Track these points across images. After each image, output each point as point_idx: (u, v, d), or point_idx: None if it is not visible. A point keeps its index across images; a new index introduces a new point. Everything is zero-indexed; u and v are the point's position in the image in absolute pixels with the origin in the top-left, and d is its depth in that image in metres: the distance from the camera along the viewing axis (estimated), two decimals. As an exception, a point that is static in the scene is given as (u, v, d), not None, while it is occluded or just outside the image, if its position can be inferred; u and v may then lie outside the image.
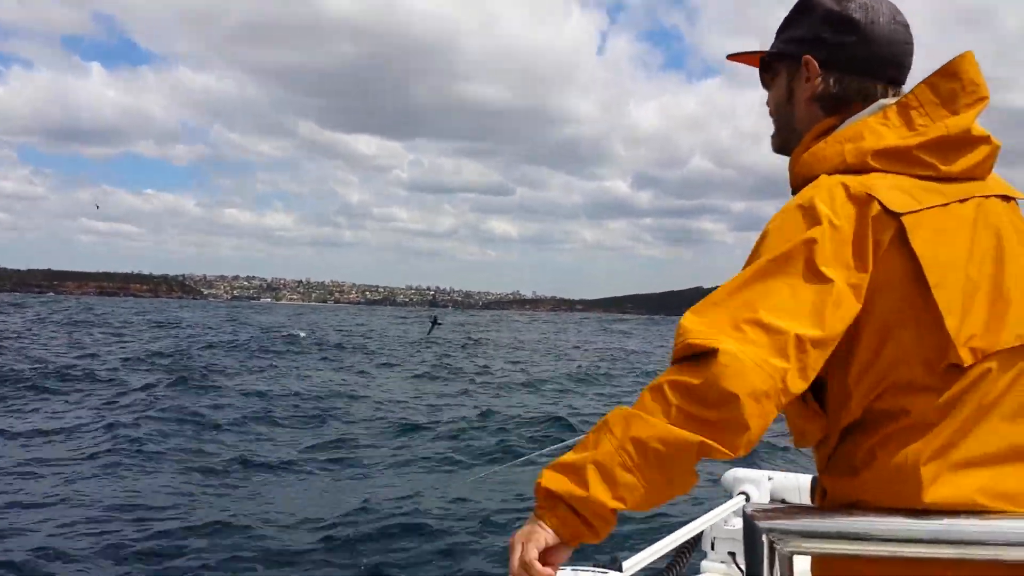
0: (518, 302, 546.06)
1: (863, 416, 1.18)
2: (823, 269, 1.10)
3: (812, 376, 1.08)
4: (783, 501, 2.58)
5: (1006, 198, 1.27)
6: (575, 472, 1.08)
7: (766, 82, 1.45)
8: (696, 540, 2.58)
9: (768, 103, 1.45)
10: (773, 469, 2.88)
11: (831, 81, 1.33)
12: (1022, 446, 1.13)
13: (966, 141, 1.23)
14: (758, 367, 1.02)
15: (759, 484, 2.57)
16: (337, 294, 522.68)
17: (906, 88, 1.31)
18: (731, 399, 1.01)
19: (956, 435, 1.12)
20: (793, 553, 1.07)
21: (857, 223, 1.13)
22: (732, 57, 1.49)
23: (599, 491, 1.06)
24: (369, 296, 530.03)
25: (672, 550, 2.39)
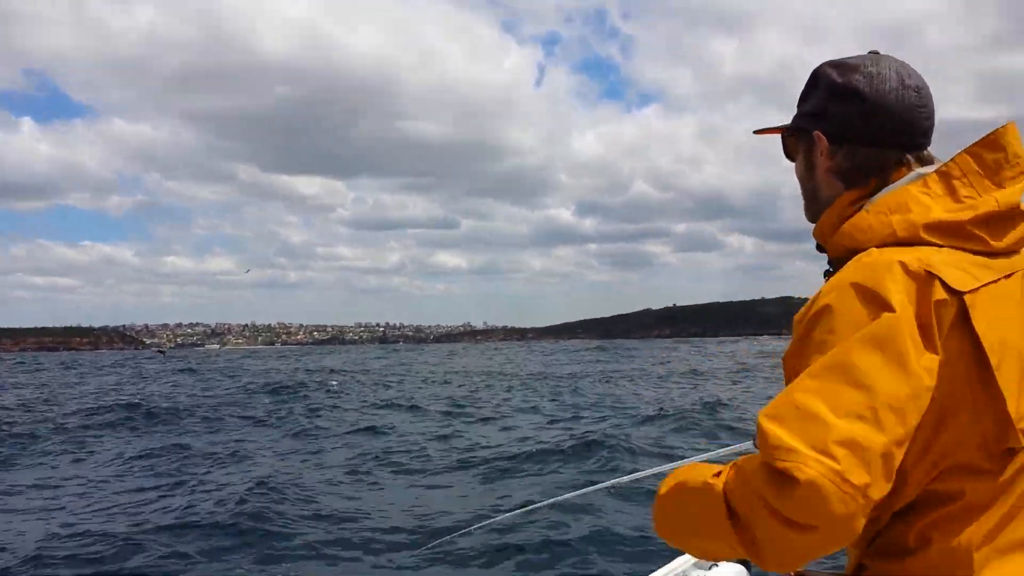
0: (469, 333, 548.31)
1: (918, 498, 1.16)
2: (903, 361, 1.05)
3: (894, 475, 1.03)
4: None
5: None
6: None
7: (789, 155, 1.45)
8: None
9: (796, 174, 1.44)
10: None
11: (841, 155, 1.33)
12: None
13: (1014, 215, 1.23)
14: (842, 494, 0.97)
15: None
16: (284, 336, 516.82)
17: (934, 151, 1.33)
18: (809, 530, 0.99)
19: (1006, 518, 1.13)
20: None
21: (921, 303, 1.09)
22: (759, 132, 1.50)
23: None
24: (317, 336, 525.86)
25: None
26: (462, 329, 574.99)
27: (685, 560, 2.29)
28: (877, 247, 1.19)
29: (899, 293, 1.09)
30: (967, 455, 1.13)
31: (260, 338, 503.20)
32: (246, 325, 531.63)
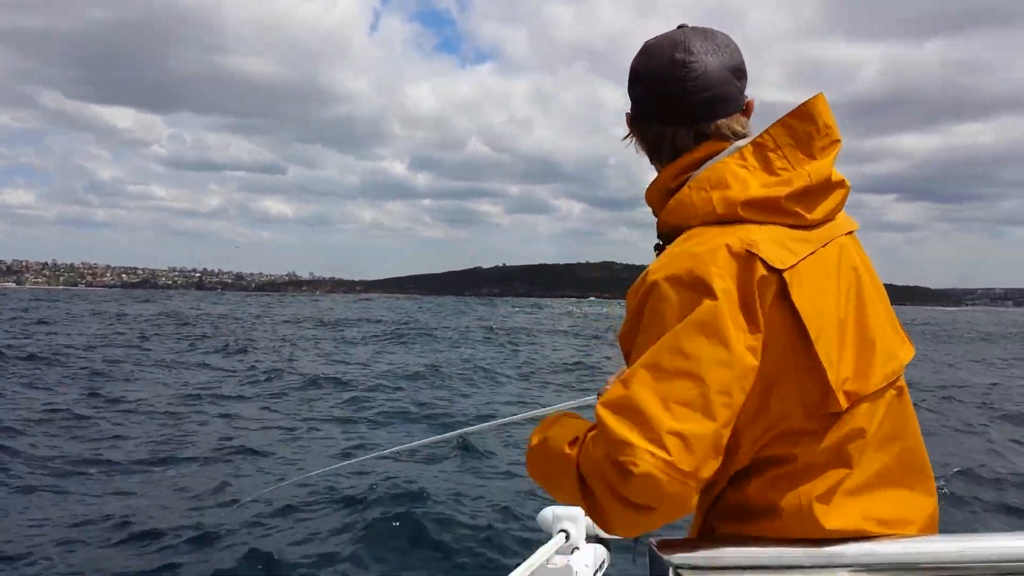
0: (294, 283, 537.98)
1: (752, 463, 1.24)
2: (727, 344, 1.12)
3: (723, 452, 1.12)
4: (598, 537, 2.63)
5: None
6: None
7: None
8: None
9: None
10: None
11: (636, 133, 1.43)
12: (887, 472, 1.26)
13: (827, 187, 1.29)
14: (673, 481, 1.06)
15: (577, 521, 2.54)
16: (89, 277, 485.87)
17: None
18: (648, 510, 1.09)
19: (841, 473, 1.23)
20: None
21: (743, 283, 1.16)
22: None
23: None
24: (126, 279, 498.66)
25: None
26: (287, 279, 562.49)
27: (548, 548, 2.38)
28: (699, 225, 1.26)
29: (721, 278, 1.16)
30: (794, 421, 1.21)
31: (62, 278, 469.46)
32: (46, 264, 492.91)
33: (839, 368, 1.21)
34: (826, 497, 1.21)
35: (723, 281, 1.16)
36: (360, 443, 10.08)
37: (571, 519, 2.65)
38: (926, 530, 1.28)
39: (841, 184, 1.33)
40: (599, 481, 1.13)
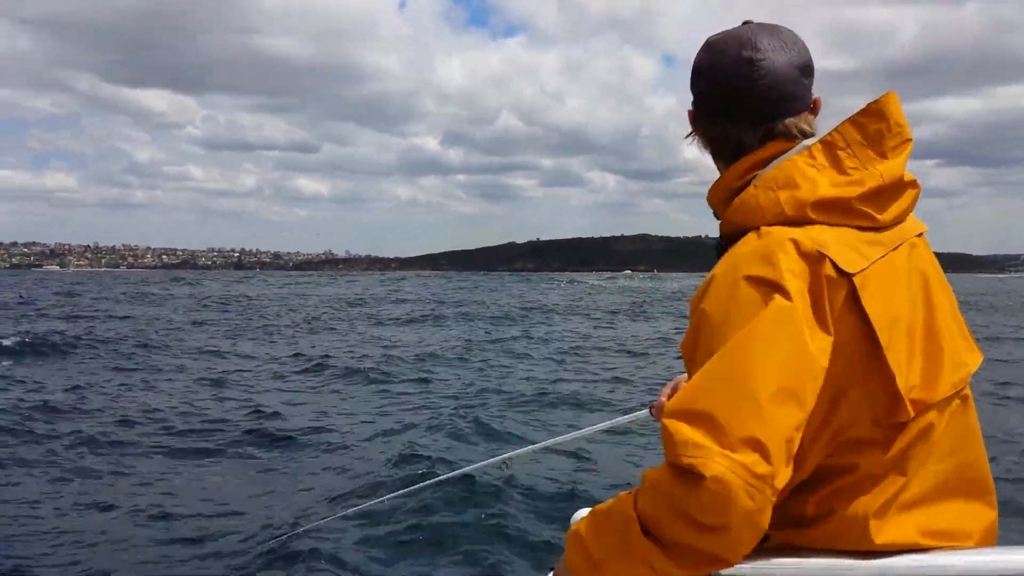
0: (331, 262, 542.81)
1: (815, 473, 1.20)
2: (799, 345, 1.09)
3: (794, 458, 1.08)
4: None
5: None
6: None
7: None
8: None
9: None
10: None
11: (701, 130, 1.40)
12: (946, 484, 1.21)
13: (899, 187, 1.26)
14: (749, 487, 1.00)
15: None
16: (131, 259, 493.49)
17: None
18: (719, 531, 1.01)
19: (900, 483, 1.18)
20: None
21: (813, 284, 1.13)
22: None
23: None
24: (167, 260, 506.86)
25: None
26: (323, 257, 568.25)
27: None
28: (766, 225, 1.21)
29: (793, 276, 1.12)
30: (861, 430, 1.17)
31: (104, 260, 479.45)
32: (88, 246, 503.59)
33: (908, 376, 1.18)
34: (884, 509, 1.18)
35: (795, 280, 1.13)
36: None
37: None
38: (983, 543, 1.24)
39: (913, 184, 1.28)
40: (661, 505, 1.05)
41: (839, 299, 1.15)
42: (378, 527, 6.35)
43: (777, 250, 1.16)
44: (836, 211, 1.22)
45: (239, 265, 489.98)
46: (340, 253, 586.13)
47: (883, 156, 1.25)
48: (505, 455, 2.97)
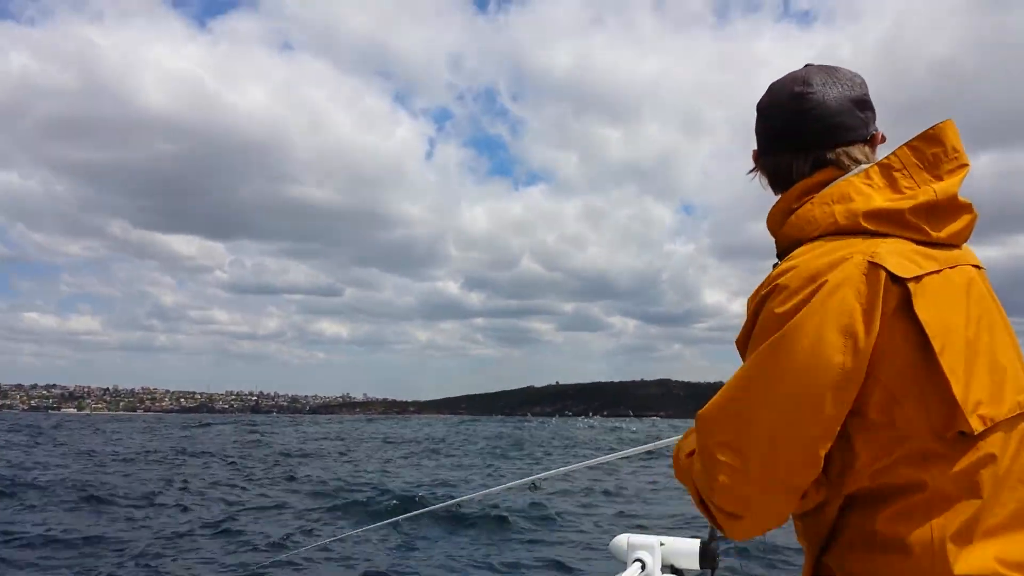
0: (348, 405, 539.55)
1: (877, 488, 1.18)
2: (823, 352, 1.13)
3: (818, 463, 1.15)
4: (672, 568, 2.60)
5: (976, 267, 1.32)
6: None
7: None
8: None
9: None
10: (662, 534, 2.85)
11: (761, 165, 1.49)
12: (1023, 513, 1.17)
13: (953, 207, 1.28)
14: (754, 488, 1.15)
15: (652, 551, 2.53)
16: (148, 402, 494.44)
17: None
18: (737, 519, 1.19)
19: (977, 508, 1.13)
20: None
21: (864, 291, 1.15)
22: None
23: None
24: (184, 403, 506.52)
25: None
26: (341, 400, 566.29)
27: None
28: (819, 237, 1.26)
29: (838, 285, 1.15)
30: (919, 441, 1.16)
31: (122, 403, 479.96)
32: (107, 389, 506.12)
33: (970, 388, 1.17)
34: (960, 535, 1.13)
35: (840, 289, 1.16)
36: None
37: (646, 548, 2.58)
38: None
39: (969, 209, 1.30)
40: (701, 490, 1.21)
41: (891, 304, 1.16)
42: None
43: (827, 259, 1.19)
44: (889, 222, 1.24)
45: (256, 408, 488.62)
46: (358, 396, 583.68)
47: (939, 179, 1.28)
48: (534, 476, 3.06)
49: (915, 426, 1.16)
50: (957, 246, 1.30)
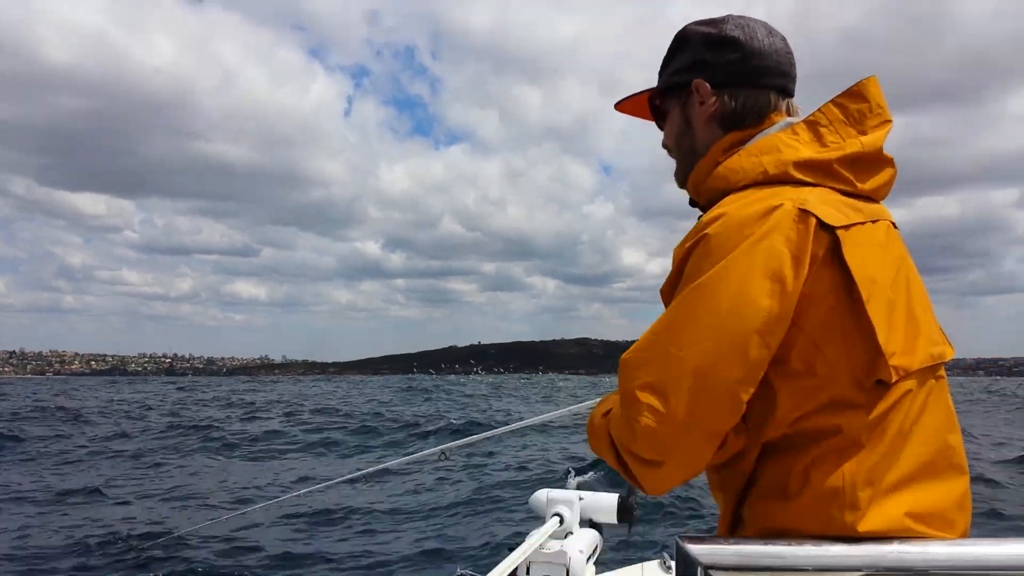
0: (267, 367, 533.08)
1: (794, 435, 1.18)
2: (749, 296, 1.12)
3: (740, 407, 1.12)
4: (591, 521, 2.65)
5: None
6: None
7: (660, 121, 1.50)
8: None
9: (665, 141, 1.49)
10: (580, 489, 2.88)
11: (725, 98, 1.38)
12: (933, 463, 1.19)
13: (877, 160, 1.30)
14: (675, 431, 1.10)
15: (571, 505, 2.57)
16: (58, 364, 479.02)
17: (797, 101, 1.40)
18: (657, 465, 1.13)
19: (885, 456, 1.15)
20: None
21: (792, 238, 1.14)
22: (620, 106, 1.55)
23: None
24: (95, 366, 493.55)
25: None
26: (259, 362, 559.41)
27: (542, 533, 2.43)
28: (748, 187, 1.24)
29: (768, 233, 1.14)
30: (839, 388, 1.16)
31: (29, 367, 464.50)
32: (13, 352, 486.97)
33: (888, 337, 1.17)
34: (869, 481, 1.14)
35: (770, 235, 1.14)
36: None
37: (566, 503, 2.67)
38: (965, 529, 1.22)
39: (891, 163, 1.34)
40: (619, 441, 1.18)
41: (820, 252, 1.16)
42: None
43: (757, 207, 1.18)
44: (817, 172, 1.25)
45: (170, 371, 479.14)
46: (277, 358, 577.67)
47: (863, 134, 1.29)
48: (444, 446, 2.93)
49: (835, 373, 1.16)
50: (877, 201, 1.32)
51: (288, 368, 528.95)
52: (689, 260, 1.20)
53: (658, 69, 1.50)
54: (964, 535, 1.21)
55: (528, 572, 2.62)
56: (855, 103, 1.31)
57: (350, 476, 3.90)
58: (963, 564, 1.07)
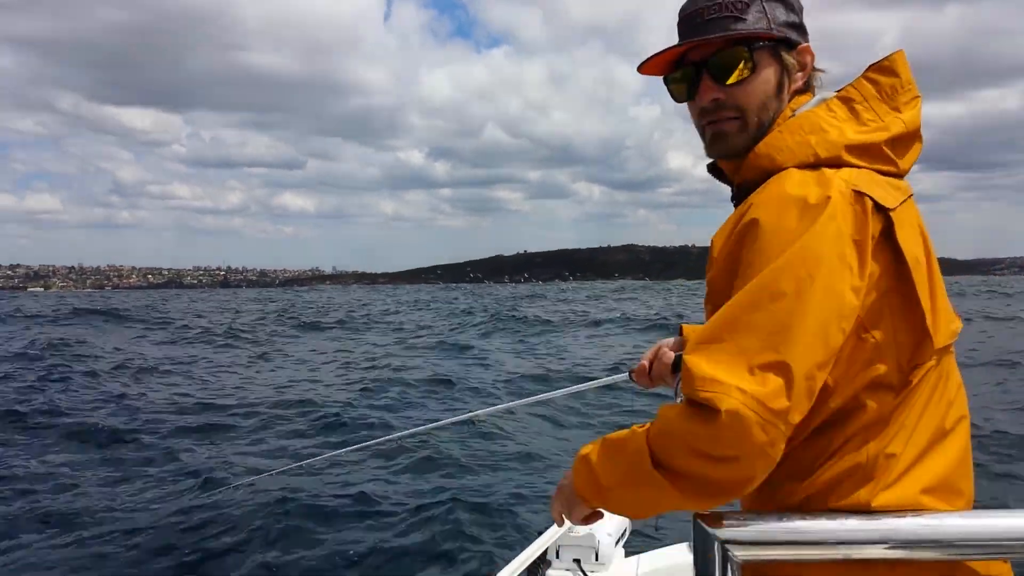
0: (318, 278, 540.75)
1: (828, 417, 1.18)
2: (830, 283, 1.08)
3: (815, 397, 1.08)
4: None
5: None
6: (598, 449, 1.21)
7: (747, 69, 1.31)
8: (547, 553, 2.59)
9: (742, 99, 1.32)
10: None
11: (807, 55, 1.35)
12: (945, 439, 1.21)
13: (914, 137, 1.29)
14: (762, 422, 1.01)
15: None
16: (116, 279, 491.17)
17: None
18: (730, 462, 1.03)
19: (905, 432, 1.17)
20: (747, 561, 1.09)
21: (853, 221, 1.12)
22: (656, 58, 1.38)
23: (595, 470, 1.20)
24: (152, 280, 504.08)
25: (527, 566, 2.41)
26: (310, 274, 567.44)
27: (551, 535, 2.38)
28: (797, 167, 1.21)
29: (832, 215, 1.11)
30: (881, 371, 1.16)
31: (88, 281, 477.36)
32: (72, 268, 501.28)
33: (933, 319, 1.18)
34: (890, 459, 1.16)
35: (833, 219, 1.12)
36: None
37: None
38: (970, 500, 1.25)
39: (921, 138, 1.32)
40: (677, 440, 1.07)
41: (876, 234, 1.14)
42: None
43: (814, 189, 1.15)
44: (867, 154, 1.23)
45: (225, 283, 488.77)
46: (327, 269, 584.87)
47: (897, 110, 1.28)
48: (476, 412, 2.77)
49: (881, 356, 1.16)
50: (903, 175, 1.31)
51: (339, 278, 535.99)
52: (743, 249, 1.16)
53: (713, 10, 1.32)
54: (970, 501, 1.25)
55: (558, 555, 2.75)
56: (887, 78, 1.29)
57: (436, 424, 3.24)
58: (975, 536, 1.11)
